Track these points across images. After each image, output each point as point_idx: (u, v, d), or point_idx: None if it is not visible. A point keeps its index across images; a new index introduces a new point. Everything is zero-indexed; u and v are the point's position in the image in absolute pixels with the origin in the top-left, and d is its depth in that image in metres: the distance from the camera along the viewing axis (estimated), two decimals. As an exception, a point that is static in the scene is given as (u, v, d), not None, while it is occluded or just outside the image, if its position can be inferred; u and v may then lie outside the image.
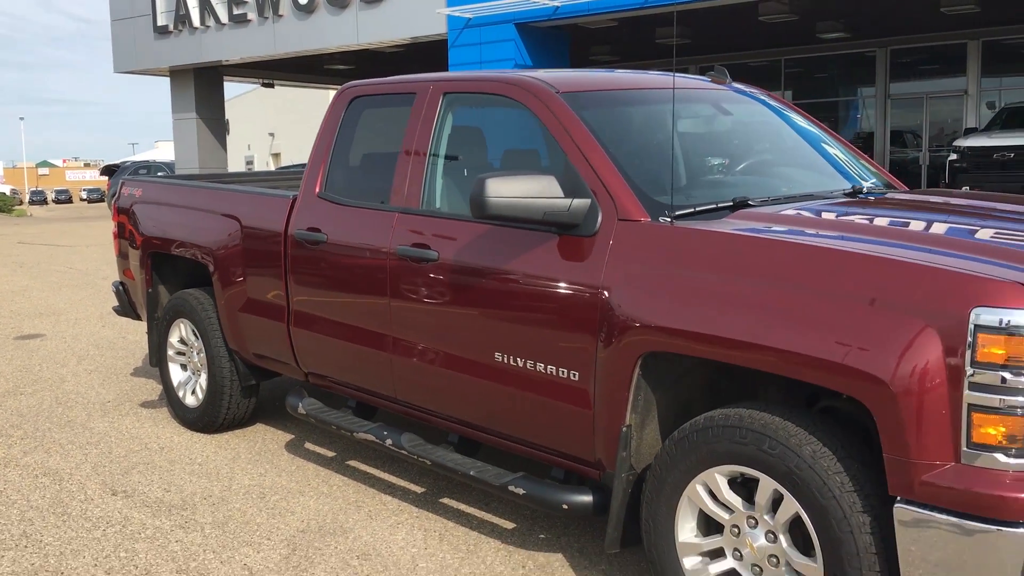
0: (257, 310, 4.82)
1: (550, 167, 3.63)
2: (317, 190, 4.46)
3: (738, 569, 2.95)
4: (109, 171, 30.93)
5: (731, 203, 3.33)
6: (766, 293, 2.78)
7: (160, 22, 23.03)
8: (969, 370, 2.39)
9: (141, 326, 7.39)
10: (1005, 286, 2.41)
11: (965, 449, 2.42)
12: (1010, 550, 2.37)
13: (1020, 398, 2.37)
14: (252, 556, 3.81)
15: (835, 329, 2.60)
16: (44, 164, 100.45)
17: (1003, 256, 2.65)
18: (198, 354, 5.39)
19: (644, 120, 3.69)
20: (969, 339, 2.39)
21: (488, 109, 4.07)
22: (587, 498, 3.38)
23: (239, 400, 5.29)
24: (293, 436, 5.34)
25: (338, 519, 4.16)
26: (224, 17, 21.90)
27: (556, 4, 16.81)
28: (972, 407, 2.40)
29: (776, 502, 2.79)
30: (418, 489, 4.50)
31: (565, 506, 3.41)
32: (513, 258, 3.49)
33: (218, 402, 5.26)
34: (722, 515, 2.95)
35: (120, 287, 6.19)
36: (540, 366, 3.40)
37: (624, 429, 3.15)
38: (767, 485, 2.79)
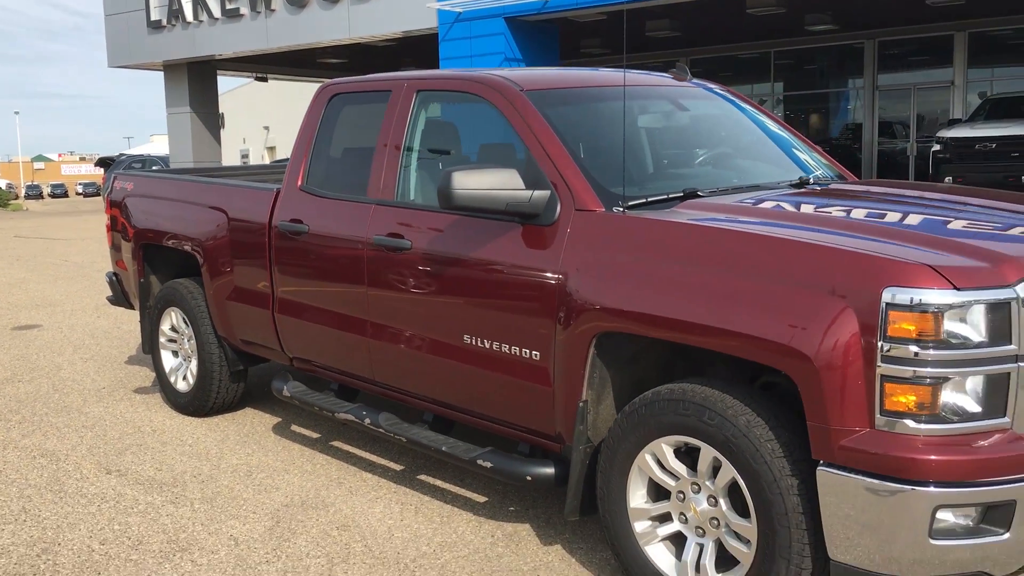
0: (244, 298, 5.05)
1: (525, 161, 3.86)
2: (299, 183, 4.69)
3: (683, 531, 3.20)
4: (104, 163, 31.12)
5: (681, 194, 3.57)
6: (705, 276, 3.01)
7: (153, 17, 23.19)
8: (882, 345, 2.63)
9: (134, 316, 7.60)
10: (915, 268, 2.65)
11: (879, 416, 2.66)
12: (919, 506, 2.61)
13: (928, 369, 2.61)
14: (238, 528, 4.05)
15: (765, 309, 2.84)
16: (40, 158, 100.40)
17: (918, 241, 2.89)
18: (189, 341, 5.62)
19: (602, 116, 3.91)
20: (882, 316, 2.63)
21: (458, 106, 4.30)
22: (549, 470, 3.62)
23: (228, 385, 5.53)
24: (280, 419, 5.58)
25: (320, 494, 4.40)
26: (217, 12, 22.07)
27: (545, -2, 17.01)
28: (885, 378, 2.64)
29: (716, 469, 3.03)
30: (397, 467, 4.74)
31: (529, 477, 3.65)
32: (480, 246, 3.72)
33: (208, 387, 5.49)
34: (669, 482, 3.19)
35: (114, 277, 6.43)
36: (504, 347, 3.64)
37: (581, 404, 3.39)
38: (707, 453, 3.03)
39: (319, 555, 3.76)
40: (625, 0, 17.01)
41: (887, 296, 2.62)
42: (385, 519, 4.10)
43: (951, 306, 2.59)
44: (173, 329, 5.76)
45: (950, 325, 2.59)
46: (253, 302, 4.98)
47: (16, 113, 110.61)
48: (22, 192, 65.69)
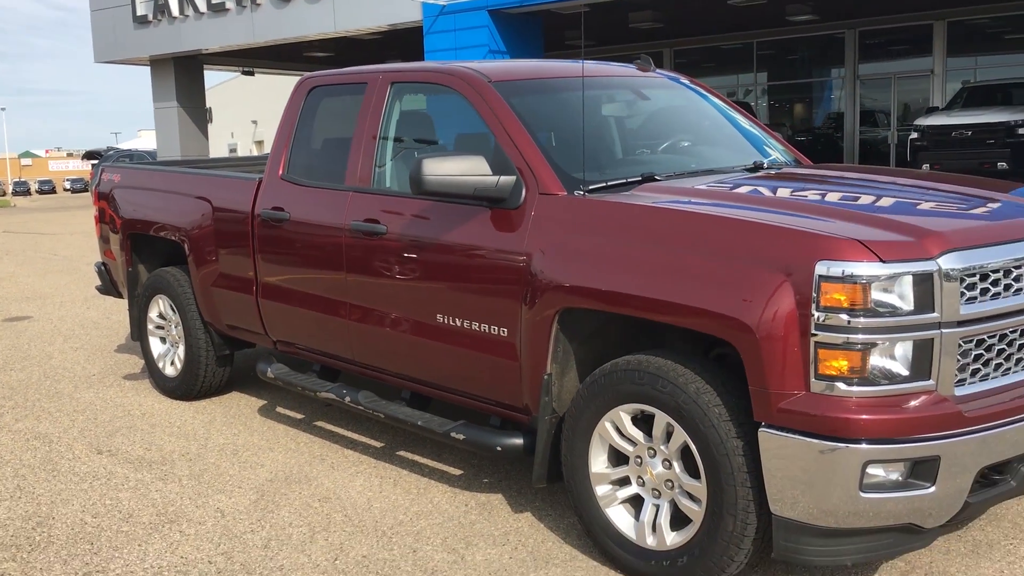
0: (228, 284, 5.24)
1: (493, 148, 4.05)
2: (280, 173, 4.88)
3: (641, 494, 3.41)
4: (92, 156, 31.19)
5: (639, 178, 3.78)
6: (657, 253, 3.23)
7: (139, 12, 23.26)
8: (816, 314, 2.84)
9: (123, 307, 7.76)
10: (845, 243, 2.86)
11: (814, 380, 2.87)
12: (850, 462, 2.83)
13: (859, 336, 2.82)
14: (224, 501, 4.25)
15: (710, 283, 3.05)
16: (27, 154, 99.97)
17: (851, 218, 3.10)
18: (176, 327, 5.81)
19: (566, 105, 4.11)
20: (815, 288, 2.84)
21: (431, 97, 4.50)
22: (518, 440, 3.83)
23: (214, 369, 5.72)
24: (265, 401, 5.78)
25: (303, 470, 4.60)
26: (202, 6, 22.16)
27: (528, -10, 17.19)
28: (819, 345, 2.85)
29: (669, 434, 3.24)
30: (377, 444, 4.94)
31: (499, 448, 3.86)
32: (451, 229, 3.93)
33: (195, 371, 5.69)
34: (627, 448, 3.40)
35: (102, 267, 6.61)
36: (475, 325, 3.85)
37: (546, 377, 3.59)
38: (661, 419, 3.24)
39: (301, 524, 3.97)
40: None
41: (820, 269, 2.83)
42: (365, 491, 4.30)
43: (878, 277, 2.80)
44: (161, 316, 5.94)
45: (877, 295, 2.81)
46: (237, 288, 5.17)
47: (2, 109, 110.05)
48: (9, 188, 65.51)
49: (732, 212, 3.24)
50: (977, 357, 2.98)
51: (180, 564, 3.64)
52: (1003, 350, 3.04)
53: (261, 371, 5.08)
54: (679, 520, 3.30)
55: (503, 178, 3.70)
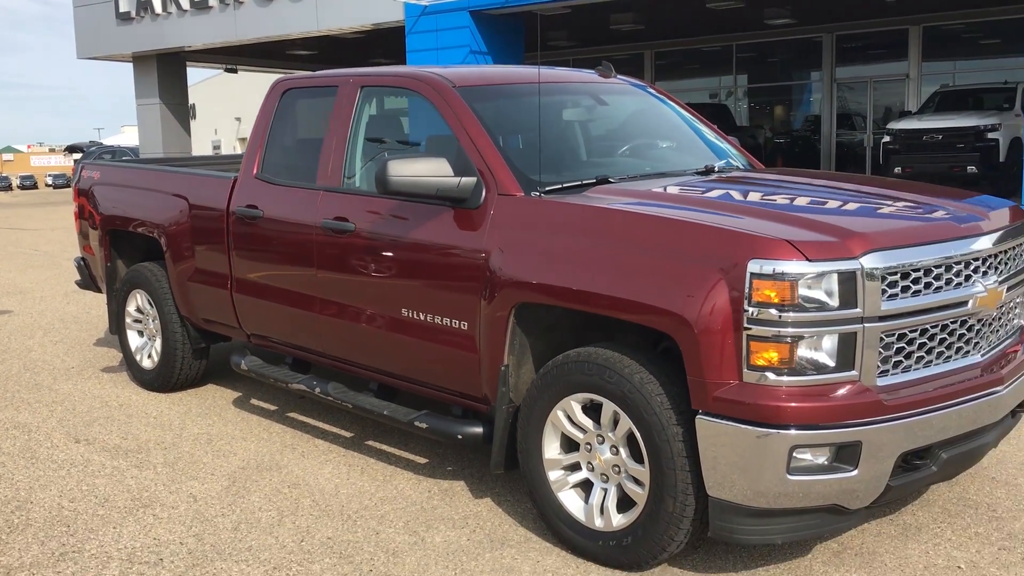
0: (204, 279, 5.41)
1: (455, 150, 4.24)
2: (254, 171, 5.06)
3: (590, 478, 3.61)
4: (74, 149, 31.21)
5: (594, 180, 3.98)
6: (604, 251, 3.43)
7: (122, 8, 23.30)
8: (748, 309, 3.05)
9: (102, 302, 7.90)
10: (775, 243, 3.07)
11: (746, 371, 3.08)
12: (778, 447, 3.03)
13: (787, 330, 3.03)
14: (197, 487, 4.42)
15: (652, 280, 3.25)
16: (8, 149, 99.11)
17: (783, 220, 3.31)
18: (153, 321, 5.97)
19: (527, 109, 4.29)
20: (748, 285, 3.04)
21: (398, 100, 4.68)
22: (477, 429, 4.02)
23: (191, 362, 5.89)
24: (240, 394, 5.95)
25: (274, 458, 4.78)
26: (185, 3, 22.22)
27: (508, -8, 17.37)
28: (751, 338, 3.06)
29: (616, 421, 3.44)
30: (347, 434, 5.13)
31: (459, 436, 4.06)
32: (415, 228, 4.12)
33: (171, 364, 5.85)
34: (577, 435, 3.60)
35: (82, 262, 6.76)
36: (438, 318, 4.04)
37: (503, 369, 3.79)
38: (608, 408, 3.44)
39: (270, 508, 4.15)
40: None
41: (752, 267, 3.04)
42: (333, 478, 4.49)
43: (805, 275, 3.01)
44: (138, 310, 6.10)
45: (804, 291, 3.02)
46: (213, 283, 5.34)
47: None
48: (-10, 184, 65.02)
49: (675, 213, 3.45)
50: (899, 350, 3.19)
51: (153, 545, 3.81)
52: (924, 344, 3.26)
53: (235, 363, 5.26)
54: (625, 503, 3.50)
55: (464, 179, 3.90)
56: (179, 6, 22.28)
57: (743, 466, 3.10)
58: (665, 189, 3.92)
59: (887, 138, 17.17)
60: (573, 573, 3.49)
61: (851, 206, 3.74)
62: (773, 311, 3.02)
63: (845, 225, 3.24)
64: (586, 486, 3.64)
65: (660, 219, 3.39)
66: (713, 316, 3.09)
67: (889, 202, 3.76)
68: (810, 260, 3.02)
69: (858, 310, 3.06)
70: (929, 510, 3.92)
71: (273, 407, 5.65)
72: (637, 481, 3.42)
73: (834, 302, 3.04)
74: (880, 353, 3.14)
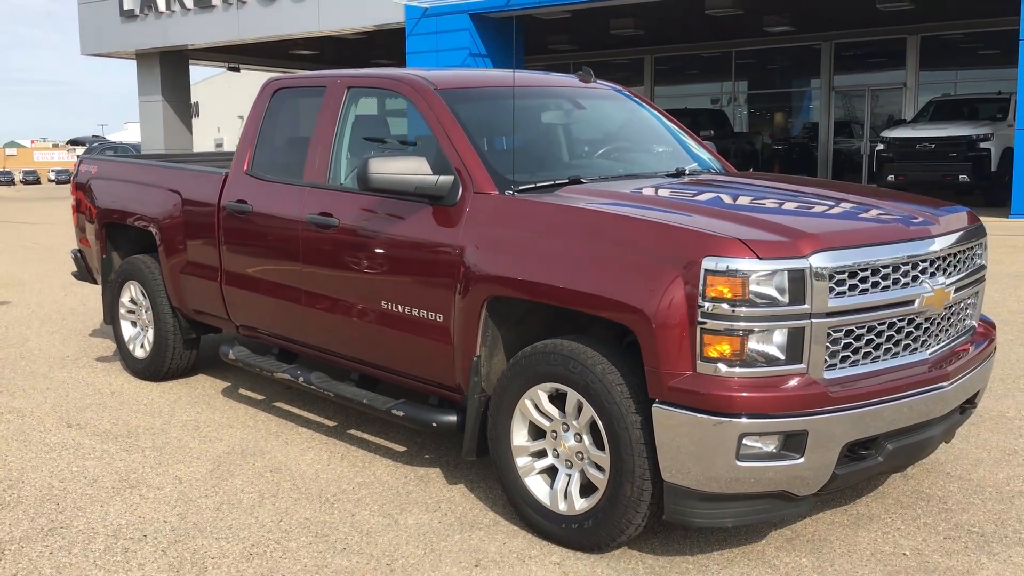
0: (195, 272, 5.58)
1: (435, 149, 4.40)
2: (245, 168, 5.23)
3: (556, 464, 3.78)
4: (76, 143, 31.56)
5: (566, 180, 4.15)
6: (570, 247, 3.60)
7: (126, 6, 23.54)
8: (702, 304, 3.22)
9: (99, 295, 8.08)
10: (729, 241, 3.24)
11: (700, 362, 3.24)
12: (728, 435, 3.20)
13: (739, 323, 3.19)
14: (183, 470, 4.60)
15: (614, 275, 3.42)
16: (12, 144, 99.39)
17: (739, 220, 3.47)
18: (146, 312, 6.15)
19: (506, 112, 4.46)
20: (702, 281, 3.21)
21: (383, 101, 4.86)
22: (451, 417, 4.19)
23: (181, 352, 6.06)
24: (229, 383, 6.12)
25: (259, 444, 4.95)
26: (189, 2, 22.46)
27: (508, -4, 17.59)
28: (704, 331, 3.22)
29: (580, 409, 3.61)
30: (330, 423, 5.30)
31: (434, 424, 4.22)
32: (395, 223, 4.29)
33: (163, 353, 6.03)
34: (544, 423, 3.77)
35: (78, 254, 6.94)
36: (415, 311, 4.21)
37: (475, 359, 3.96)
38: (573, 397, 3.61)
39: (252, 491, 4.32)
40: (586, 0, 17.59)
41: (707, 264, 3.21)
42: (314, 464, 4.66)
43: (755, 272, 3.18)
44: (132, 301, 6.28)
45: (755, 288, 3.18)
46: (203, 275, 5.52)
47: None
48: (-7, 178, 65.21)
49: (637, 212, 3.62)
50: (846, 345, 3.36)
51: (138, 523, 3.98)
52: (871, 340, 3.43)
53: (223, 353, 5.43)
54: (588, 489, 3.66)
55: (442, 178, 4.07)
56: (183, 5, 22.50)
57: (696, 452, 3.27)
58: (633, 190, 4.09)
59: (881, 146, 17.35)
60: (537, 554, 3.66)
61: (806, 208, 3.91)
62: (726, 306, 3.19)
63: (796, 226, 3.41)
64: (552, 472, 3.81)
65: (622, 217, 3.56)
66: (669, 310, 3.26)
67: (845, 206, 3.93)
68: (761, 258, 3.19)
69: (806, 306, 3.22)
70: (883, 502, 4.09)
71: (260, 397, 5.83)
72: (599, 467, 3.58)
73: (783, 298, 3.21)
74: (827, 348, 3.30)
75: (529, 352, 3.76)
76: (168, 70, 25.03)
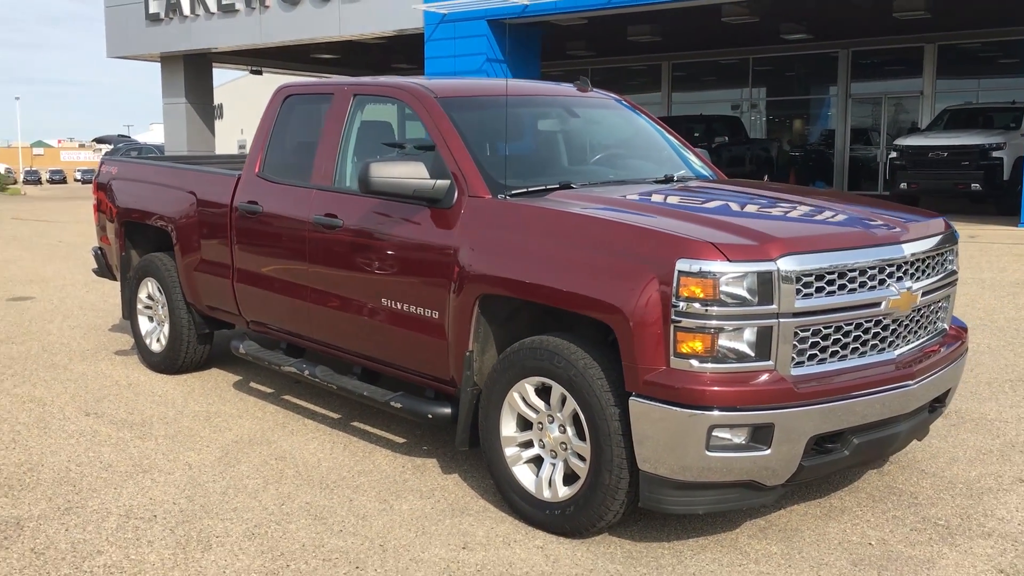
0: (208, 269, 5.84)
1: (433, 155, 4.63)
2: (256, 170, 5.48)
3: (541, 454, 3.99)
4: (103, 141, 32.31)
5: (556, 185, 4.37)
6: (555, 249, 3.81)
7: (152, 10, 23.96)
8: (676, 303, 3.42)
9: (118, 293, 8.37)
10: (700, 244, 3.44)
11: (673, 358, 3.45)
12: (698, 426, 3.40)
13: (710, 322, 3.39)
14: (193, 457, 4.84)
15: (594, 275, 3.63)
16: (39, 144, 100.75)
17: (713, 224, 3.68)
18: (162, 308, 6.41)
19: (501, 120, 4.68)
20: (676, 281, 3.41)
21: (386, 107, 5.09)
22: (446, 409, 4.41)
23: (195, 346, 6.32)
24: (240, 377, 6.38)
25: (265, 434, 5.20)
26: (213, 6, 22.84)
27: (525, 2, 17.78)
28: (678, 328, 3.42)
29: (563, 402, 3.82)
30: (335, 415, 5.53)
31: (430, 415, 4.45)
32: (396, 225, 4.52)
33: (178, 347, 6.29)
34: (531, 415, 3.98)
35: (99, 252, 7.23)
36: (412, 307, 4.44)
37: (468, 354, 4.18)
38: (557, 390, 3.82)
39: (257, 477, 4.56)
40: (602, 5, 17.78)
41: (680, 265, 3.41)
42: (317, 453, 4.90)
43: (725, 274, 3.37)
44: (149, 297, 6.54)
45: (725, 288, 3.38)
46: (216, 273, 5.77)
47: (16, 98, 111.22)
48: (20, 177, 66.24)
49: (619, 216, 3.83)
50: (813, 344, 3.55)
51: (149, 504, 4.23)
52: (838, 339, 3.62)
53: (234, 347, 5.68)
54: (570, 478, 3.87)
55: (439, 181, 4.30)
56: (207, 9, 22.89)
57: (669, 443, 3.47)
58: (619, 195, 4.30)
59: (893, 154, 17.43)
60: (522, 538, 3.87)
61: (782, 215, 4.11)
62: (698, 305, 3.39)
63: (766, 230, 3.60)
64: (538, 462, 4.02)
65: (603, 221, 3.77)
66: (645, 308, 3.46)
67: (820, 213, 4.12)
68: (731, 261, 3.39)
69: (774, 306, 3.42)
70: (856, 496, 4.27)
71: (269, 390, 6.07)
72: (581, 457, 3.79)
73: (752, 298, 3.40)
74: (795, 346, 3.49)
75: (517, 348, 3.97)
76: (192, 73, 25.45)
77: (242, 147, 55.48)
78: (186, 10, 23.26)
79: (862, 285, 3.64)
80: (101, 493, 4.35)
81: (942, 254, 4.11)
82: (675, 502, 3.57)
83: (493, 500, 4.24)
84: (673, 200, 4.27)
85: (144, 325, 6.62)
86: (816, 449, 3.61)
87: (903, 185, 16.89)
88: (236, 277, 5.61)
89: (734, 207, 4.21)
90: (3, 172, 48.95)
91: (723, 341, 3.42)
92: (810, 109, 26.65)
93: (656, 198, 4.28)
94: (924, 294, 3.91)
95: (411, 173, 4.28)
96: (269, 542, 3.84)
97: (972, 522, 3.98)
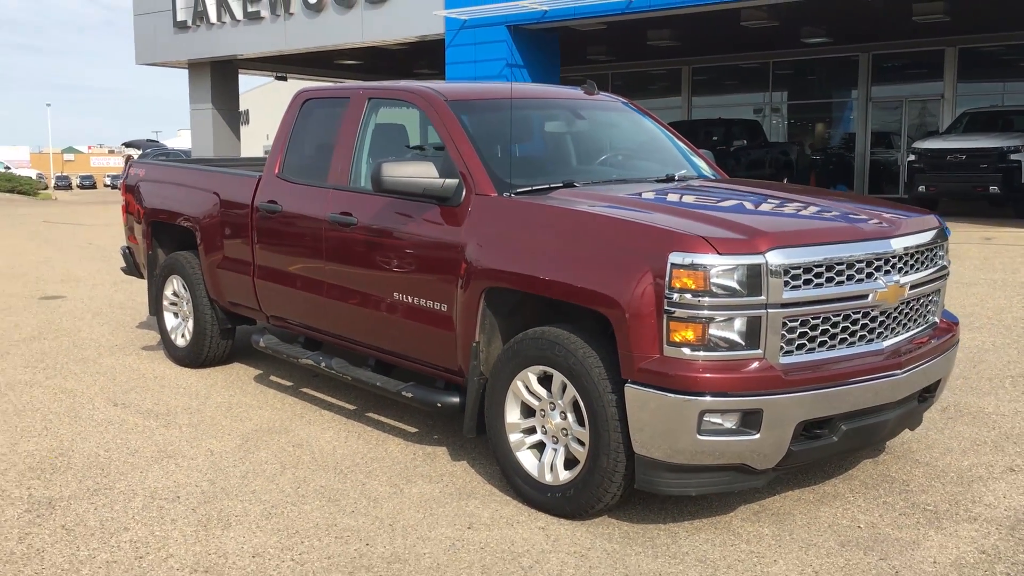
0: (230, 266, 6.08)
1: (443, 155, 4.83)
2: (276, 171, 5.72)
3: (544, 440, 4.17)
4: (131, 145, 33.03)
5: (560, 184, 4.56)
6: (556, 243, 4.00)
7: (179, 17, 24.39)
8: (669, 294, 3.59)
9: (145, 293, 8.64)
10: (692, 238, 3.62)
11: (666, 347, 3.62)
12: (690, 410, 3.57)
13: (701, 312, 3.56)
14: (215, 444, 5.07)
15: (593, 268, 3.82)
16: (69, 150, 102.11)
17: (706, 220, 3.85)
18: (187, 304, 6.66)
19: (508, 122, 4.88)
20: (669, 274, 3.59)
21: (399, 111, 5.30)
22: (455, 398, 4.61)
23: (218, 341, 6.57)
24: (261, 371, 6.61)
25: (284, 423, 5.42)
26: (239, 14, 23.23)
27: (545, 8, 17.99)
28: (670, 318, 3.60)
29: (564, 389, 4.01)
30: (351, 407, 5.75)
31: (439, 404, 4.65)
32: (406, 222, 4.73)
33: (201, 342, 6.54)
34: (533, 402, 4.17)
35: (127, 251, 7.51)
36: (422, 301, 4.64)
37: (475, 344, 4.38)
38: (558, 378, 4.01)
39: (275, 462, 4.78)
40: (621, 10, 17.95)
41: (673, 259, 3.59)
42: (332, 441, 5.11)
43: (716, 266, 3.55)
44: (174, 294, 6.80)
45: (716, 280, 3.55)
46: (238, 270, 6.01)
47: (48, 105, 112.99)
48: (51, 182, 67.26)
49: (616, 212, 4.02)
50: (802, 334, 3.72)
51: (172, 486, 4.46)
52: (826, 329, 3.78)
53: (254, 341, 5.92)
54: (571, 463, 4.06)
55: (447, 180, 4.50)
56: (233, 16, 23.28)
57: (662, 428, 3.65)
58: (620, 193, 4.48)
59: (912, 157, 17.46)
60: (525, 520, 4.06)
61: (774, 211, 4.28)
62: (690, 296, 3.57)
63: (756, 225, 3.78)
64: (540, 447, 4.20)
65: (601, 217, 3.96)
66: (640, 299, 3.65)
67: (812, 209, 4.28)
68: (721, 254, 3.56)
69: (762, 297, 3.59)
70: (849, 483, 4.42)
71: (289, 383, 6.30)
72: (580, 442, 3.97)
73: (742, 290, 3.58)
74: (783, 335, 3.66)
75: (520, 338, 4.16)
76: (218, 79, 25.86)
77: (267, 152, 56.13)
78: (213, 18, 23.67)
79: (849, 278, 3.80)
80: (128, 476, 4.59)
81: (931, 250, 4.26)
82: (669, 484, 3.74)
83: (499, 485, 4.43)
84: (671, 198, 4.45)
85: (170, 321, 6.87)
86: (805, 435, 3.78)
87: (921, 188, 16.91)
88: (257, 274, 5.85)
89: (728, 204, 4.39)
90: (35, 178, 49.74)
91: (714, 330, 3.59)
92: (831, 113, 26.65)
93: (655, 196, 4.46)
94: (912, 287, 4.06)
95: (421, 173, 4.48)
96: (285, 521, 4.05)
97: (960, 508, 4.12)
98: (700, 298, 3.56)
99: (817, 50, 24.33)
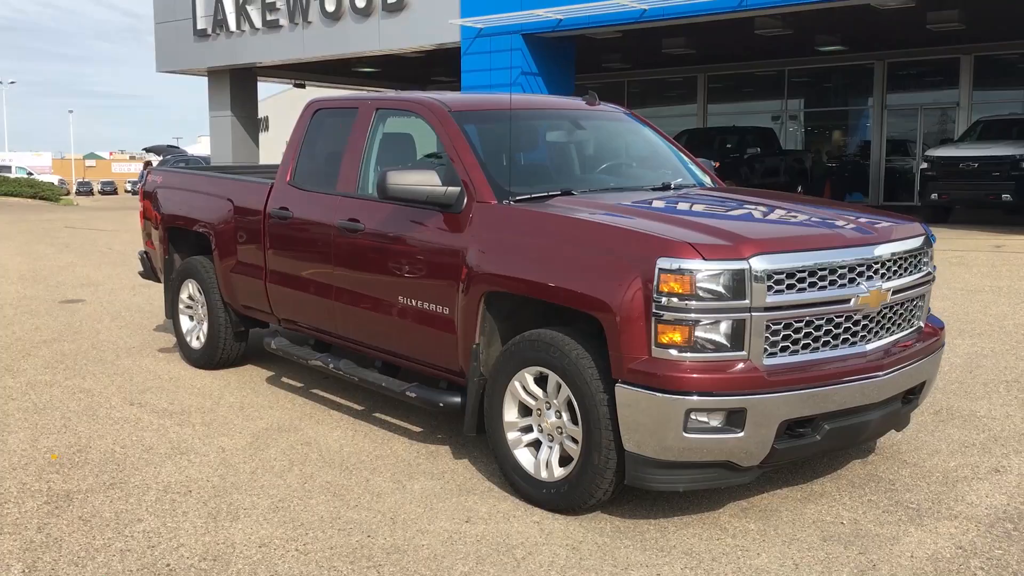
0: (244, 271, 6.29)
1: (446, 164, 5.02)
2: (287, 179, 5.92)
3: (540, 438, 4.34)
4: (151, 151, 33.61)
5: (558, 192, 4.73)
6: (552, 249, 4.17)
7: (199, 26, 24.78)
8: (657, 298, 3.75)
9: (162, 297, 8.87)
10: (679, 244, 3.77)
11: (654, 348, 3.78)
12: (677, 409, 3.72)
13: (688, 315, 3.72)
14: (226, 442, 5.27)
15: (585, 272, 3.99)
16: (91, 156, 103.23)
17: (694, 226, 4.01)
18: (201, 307, 6.88)
19: (510, 132, 5.06)
20: (657, 278, 3.75)
21: (405, 120, 5.49)
22: (456, 399, 4.78)
23: (232, 343, 6.77)
24: (273, 373, 6.81)
25: (293, 423, 5.61)
26: (258, 23, 23.58)
27: (560, 17, 18.19)
28: (658, 320, 3.76)
29: (558, 389, 4.17)
30: (358, 407, 5.94)
31: (441, 404, 4.82)
32: (411, 228, 4.91)
33: (215, 344, 6.74)
34: (530, 402, 4.34)
35: (144, 255, 7.74)
36: (426, 304, 4.82)
37: (475, 346, 4.55)
38: (553, 378, 4.17)
39: (283, 459, 4.97)
40: (635, 19, 18.12)
41: (661, 263, 3.75)
42: (339, 439, 5.29)
43: (701, 271, 3.71)
44: (190, 297, 7.01)
45: (702, 284, 3.71)
46: (251, 274, 6.22)
47: (70, 112, 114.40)
48: (73, 188, 68.09)
49: (609, 219, 4.18)
50: (785, 336, 3.87)
51: (185, 481, 4.65)
52: (809, 332, 3.93)
53: (266, 343, 6.12)
54: (565, 460, 4.21)
55: (449, 188, 4.68)
56: (252, 25, 23.63)
57: (651, 426, 3.80)
58: (615, 201, 4.65)
59: (925, 165, 17.50)
60: (521, 514, 4.22)
61: (761, 218, 4.43)
62: (677, 300, 3.72)
63: (741, 232, 3.94)
64: (537, 445, 4.37)
65: (594, 224, 4.13)
66: (630, 303, 3.81)
67: (799, 216, 4.44)
68: (706, 259, 3.72)
69: (746, 301, 3.74)
70: (836, 482, 4.56)
71: (299, 384, 6.50)
72: (574, 440, 4.14)
73: (727, 294, 3.73)
74: (767, 338, 3.81)
75: (518, 340, 4.33)
76: (237, 87, 26.23)
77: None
78: (232, 26, 24.02)
79: (832, 283, 3.95)
80: (142, 471, 4.78)
81: (916, 256, 4.39)
82: (658, 480, 3.90)
83: (497, 481, 4.60)
84: (664, 205, 4.62)
85: (185, 324, 7.08)
86: (789, 433, 3.92)
87: (934, 196, 16.96)
88: (269, 278, 6.04)
89: (718, 212, 4.55)
90: (56, 184, 50.41)
91: (700, 332, 3.75)
92: (847, 121, 26.68)
93: (649, 204, 4.62)
94: (895, 292, 4.20)
95: (424, 181, 4.66)
96: (291, 514, 4.24)
97: (942, 506, 4.25)
98: (687, 301, 3.72)
99: (832, 58, 24.39)
